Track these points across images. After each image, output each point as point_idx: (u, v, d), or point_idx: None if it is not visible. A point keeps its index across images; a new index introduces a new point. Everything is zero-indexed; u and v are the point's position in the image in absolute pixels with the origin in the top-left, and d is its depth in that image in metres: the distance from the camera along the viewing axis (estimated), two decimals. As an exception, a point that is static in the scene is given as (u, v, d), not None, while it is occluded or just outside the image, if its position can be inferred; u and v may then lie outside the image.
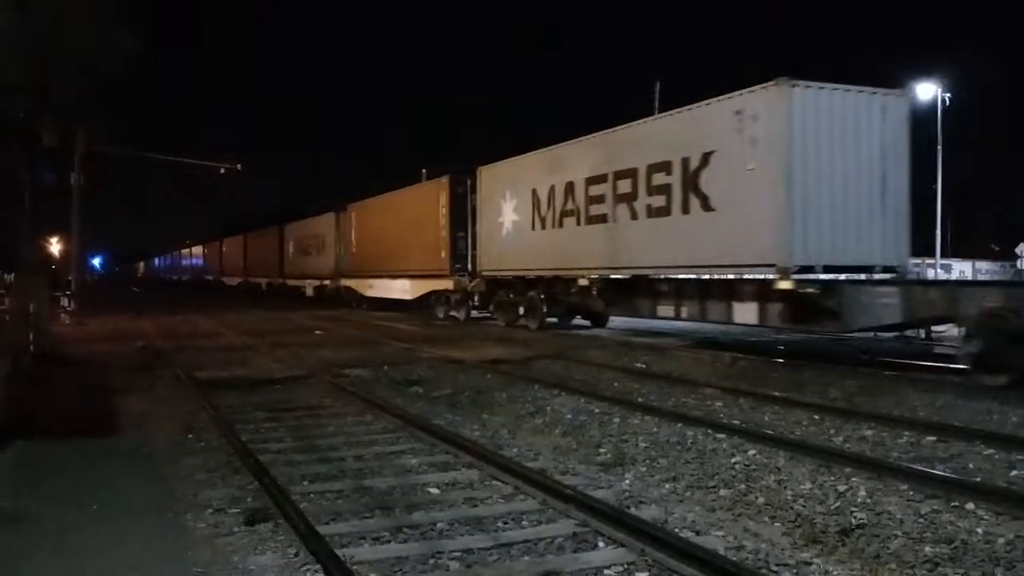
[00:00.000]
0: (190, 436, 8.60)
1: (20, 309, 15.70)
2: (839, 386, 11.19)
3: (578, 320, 21.91)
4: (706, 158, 14.89)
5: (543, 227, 20.43)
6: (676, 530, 5.43)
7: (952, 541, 5.14)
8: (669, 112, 17.35)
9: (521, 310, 21.88)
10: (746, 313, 14.99)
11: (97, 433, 8.94)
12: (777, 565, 4.87)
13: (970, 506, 5.75)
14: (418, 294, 27.89)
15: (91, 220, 41.85)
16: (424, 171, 29.19)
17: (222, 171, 42.20)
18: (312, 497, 6.33)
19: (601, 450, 7.86)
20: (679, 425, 8.68)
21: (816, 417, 9.06)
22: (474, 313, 25.12)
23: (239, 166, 42.09)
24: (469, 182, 24.45)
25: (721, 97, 14.69)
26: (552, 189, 19.97)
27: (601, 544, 5.20)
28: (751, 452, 7.44)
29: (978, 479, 6.56)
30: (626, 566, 4.84)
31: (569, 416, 9.40)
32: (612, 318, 21.42)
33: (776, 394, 10.52)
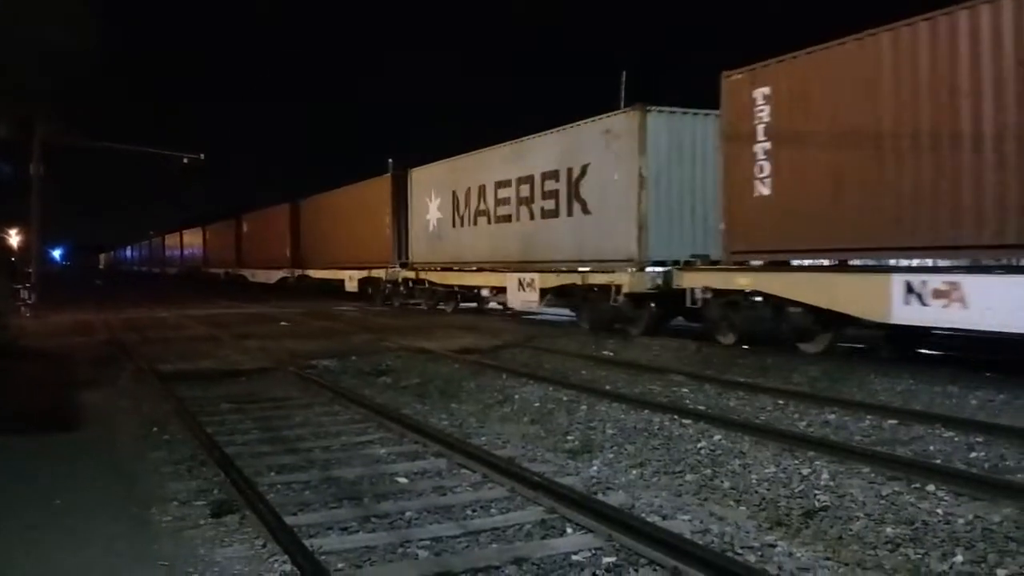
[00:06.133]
0: (155, 429, 8.51)
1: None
2: (803, 371, 11.34)
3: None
4: None
5: None
6: (643, 515, 5.47)
7: (913, 522, 5.24)
8: None
9: None
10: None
11: (60, 427, 8.80)
12: (742, 548, 4.92)
13: (930, 488, 5.86)
14: None
15: (51, 211, 41.12)
16: (390, 162, 28.60)
17: (185, 160, 41.57)
18: (279, 488, 6.30)
19: (569, 437, 7.90)
20: (646, 411, 8.75)
21: (780, 402, 9.18)
22: None
23: (202, 156, 41.48)
24: None
25: None
26: None
27: (569, 530, 5.23)
28: (717, 437, 7.53)
29: (938, 461, 6.70)
30: (594, 551, 4.87)
31: (537, 404, 9.43)
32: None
33: (741, 380, 10.64)
